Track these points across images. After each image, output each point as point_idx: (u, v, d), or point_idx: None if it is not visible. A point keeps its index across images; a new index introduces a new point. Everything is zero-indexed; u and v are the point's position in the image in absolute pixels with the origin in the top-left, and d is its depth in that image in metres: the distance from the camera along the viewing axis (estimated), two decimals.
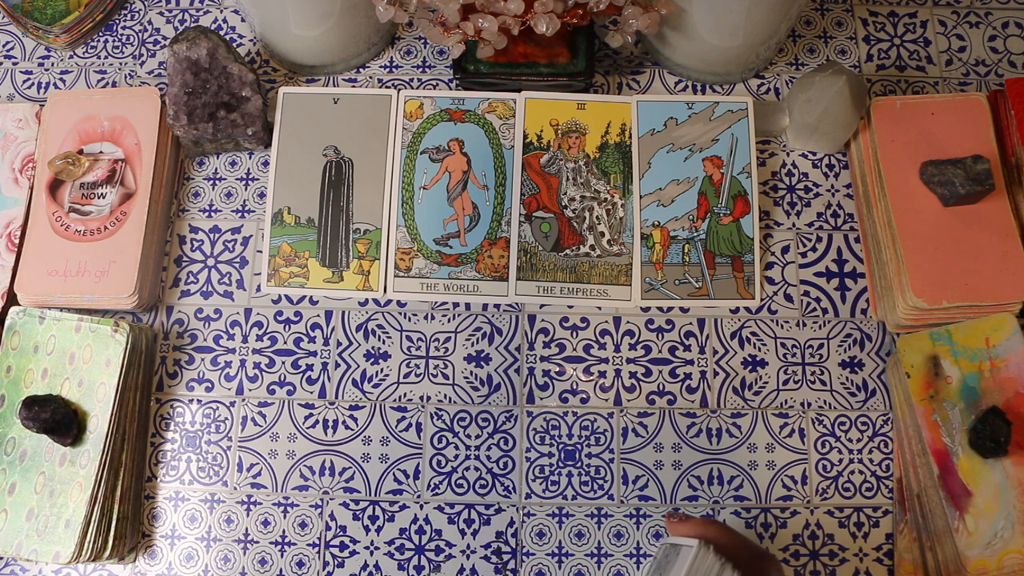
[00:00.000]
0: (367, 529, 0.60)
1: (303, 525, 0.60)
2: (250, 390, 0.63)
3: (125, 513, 0.59)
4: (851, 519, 0.60)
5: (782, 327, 0.63)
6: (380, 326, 0.64)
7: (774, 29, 0.64)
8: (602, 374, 0.63)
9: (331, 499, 0.61)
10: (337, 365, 0.64)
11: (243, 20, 0.73)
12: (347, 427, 0.62)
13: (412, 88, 0.70)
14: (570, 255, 0.64)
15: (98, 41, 0.74)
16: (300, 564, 0.60)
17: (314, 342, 0.64)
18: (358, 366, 0.63)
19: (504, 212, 0.65)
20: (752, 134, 0.65)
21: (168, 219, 0.68)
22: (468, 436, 0.62)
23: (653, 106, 0.66)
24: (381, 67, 0.71)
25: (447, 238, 0.65)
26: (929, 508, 0.56)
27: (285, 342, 0.64)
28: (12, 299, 0.64)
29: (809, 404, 0.62)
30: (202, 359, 0.64)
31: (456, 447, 0.62)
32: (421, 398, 0.63)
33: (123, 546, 0.59)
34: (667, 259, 0.63)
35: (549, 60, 0.66)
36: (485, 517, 0.60)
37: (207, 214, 0.68)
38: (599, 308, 0.64)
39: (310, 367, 0.64)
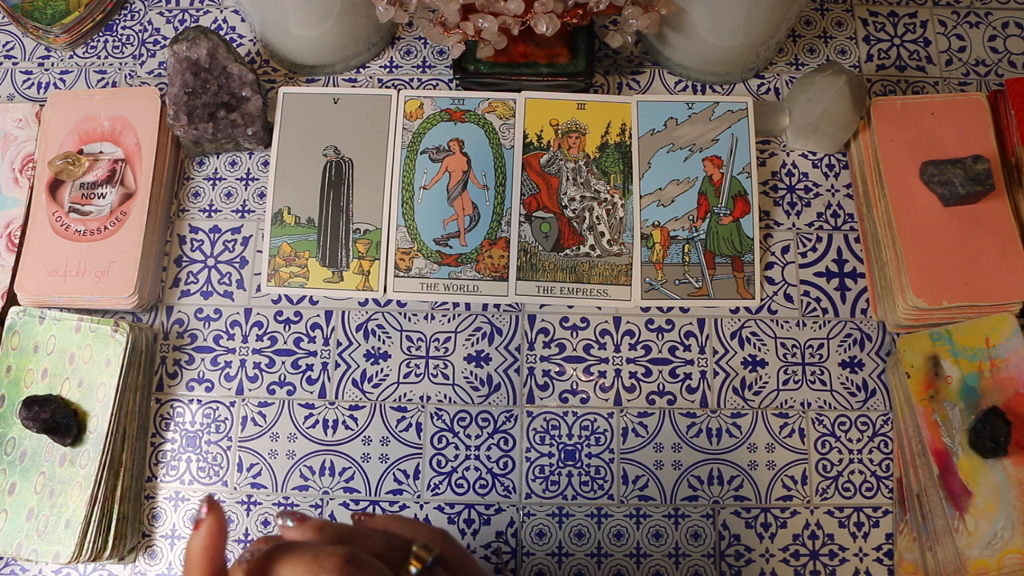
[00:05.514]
0: None
1: None
2: (250, 390, 0.63)
3: (125, 513, 0.59)
4: (851, 519, 0.60)
5: (782, 327, 0.63)
6: (380, 326, 0.64)
7: (774, 29, 0.64)
8: (602, 374, 0.63)
9: (331, 499, 0.61)
10: (337, 365, 0.64)
11: (243, 20, 0.73)
12: (347, 427, 0.62)
13: (412, 88, 0.70)
14: (570, 255, 0.64)
15: (98, 41, 0.74)
16: None
17: (314, 342, 0.64)
18: (358, 366, 0.63)
19: (504, 212, 0.65)
20: (752, 134, 0.65)
21: (168, 219, 0.68)
22: (468, 436, 0.62)
23: (653, 106, 0.66)
24: (381, 67, 0.71)
25: (447, 238, 0.65)
26: (929, 508, 0.56)
27: (285, 342, 0.64)
28: (12, 299, 0.64)
29: (809, 404, 0.62)
30: (202, 359, 0.64)
31: (456, 447, 0.62)
32: (421, 398, 0.63)
33: (123, 546, 0.59)
34: (667, 259, 0.63)
35: (549, 60, 0.66)
36: (485, 517, 0.60)
37: (207, 214, 0.68)
38: (599, 308, 0.64)
39: (310, 367, 0.64)
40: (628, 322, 0.64)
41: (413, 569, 0.34)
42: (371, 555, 0.34)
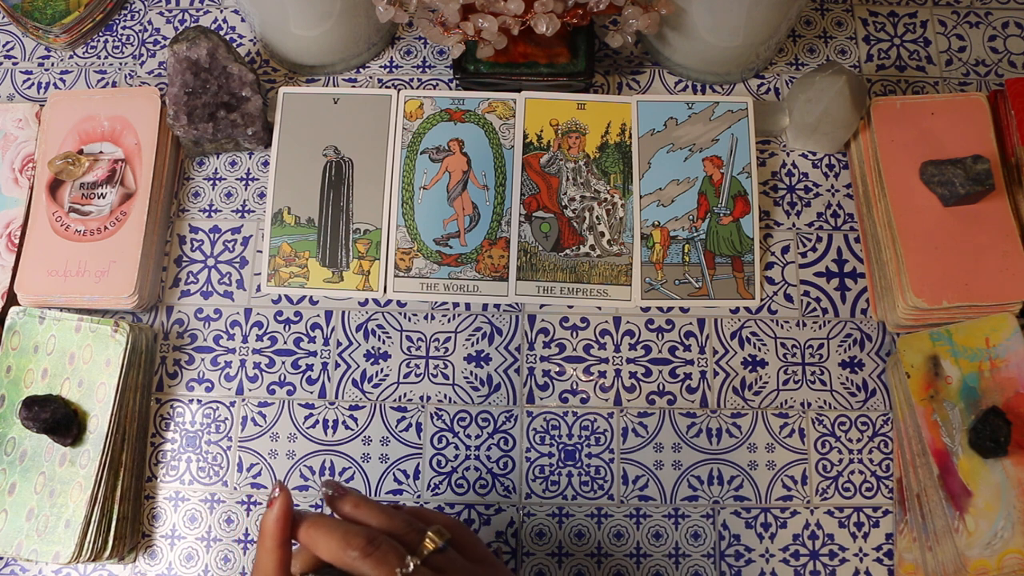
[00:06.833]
0: None
1: None
2: (250, 390, 0.63)
3: (125, 513, 0.59)
4: (851, 519, 0.60)
5: (782, 327, 0.63)
6: (380, 326, 0.64)
7: (774, 29, 0.64)
8: (602, 374, 0.63)
9: None
10: (337, 365, 0.64)
11: (243, 20, 0.73)
12: (347, 427, 0.62)
13: (412, 88, 0.70)
14: (570, 255, 0.64)
15: (98, 41, 0.74)
16: None
17: (314, 342, 0.64)
18: (358, 366, 0.63)
19: (504, 212, 0.65)
20: (752, 134, 0.65)
21: (168, 219, 0.68)
22: (468, 436, 0.62)
23: (653, 106, 0.66)
24: (381, 67, 0.71)
25: (447, 238, 0.65)
26: (929, 508, 0.56)
27: (285, 342, 0.64)
28: (12, 299, 0.64)
29: (809, 404, 0.62)
30: (202, 359, 0.64)
31: (456, 447, 0.62)
32: (421, 398, 0.63)
33: (123, 546, 0.59)
34: (667, 259, 0.63)
35: (549, 60, 0.66)
36: (485, 517, 0.60)
37: (207, 214, 0.68)
38: (599, 308, 0.64)
39: (310, 367, 0.64)
40: (628, 322, 0.64)
41: (426, 550, 0.39)
42: (391, 534, 0.39)
